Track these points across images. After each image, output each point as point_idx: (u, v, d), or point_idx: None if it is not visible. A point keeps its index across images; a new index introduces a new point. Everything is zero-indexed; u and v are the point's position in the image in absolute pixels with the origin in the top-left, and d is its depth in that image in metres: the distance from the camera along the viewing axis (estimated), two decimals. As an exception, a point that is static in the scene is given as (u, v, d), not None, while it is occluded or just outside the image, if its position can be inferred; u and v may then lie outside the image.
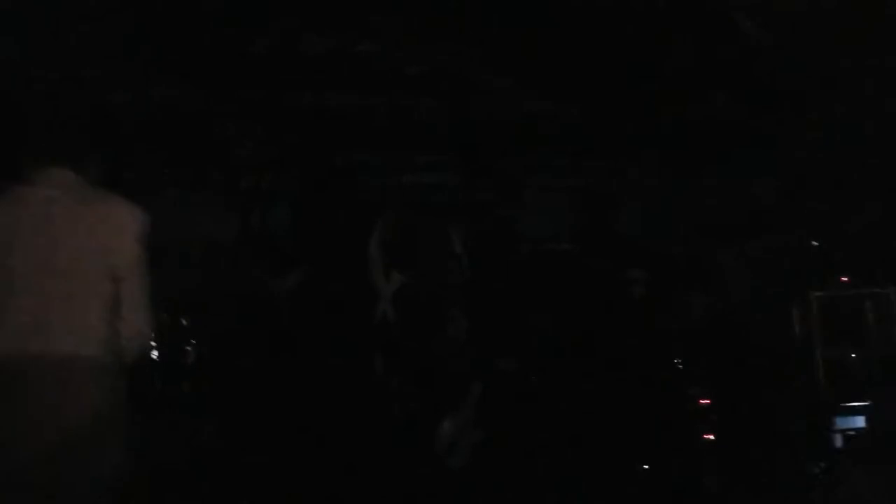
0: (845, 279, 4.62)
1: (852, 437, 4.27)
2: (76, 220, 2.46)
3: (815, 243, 4.70)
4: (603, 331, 5.32)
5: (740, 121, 5.00)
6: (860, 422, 4.37)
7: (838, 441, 4.34)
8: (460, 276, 5.45)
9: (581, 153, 5.87)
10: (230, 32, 4.59)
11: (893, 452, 2.89)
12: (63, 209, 2.47)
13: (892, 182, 4.51)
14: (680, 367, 4.74)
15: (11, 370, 2.36)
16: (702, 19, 4.58)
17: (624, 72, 5.04)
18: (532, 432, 4.75)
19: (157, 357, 4.88)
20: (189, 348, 5.04)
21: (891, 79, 4.19)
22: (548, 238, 6.22)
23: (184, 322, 5.03)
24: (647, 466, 4.53)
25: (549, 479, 4.54)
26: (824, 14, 4.22)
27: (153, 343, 4.61)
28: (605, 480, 4.55)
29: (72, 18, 4.20)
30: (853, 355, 4.55)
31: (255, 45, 4.70)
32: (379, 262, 5.39)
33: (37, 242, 2.43)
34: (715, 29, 4.56)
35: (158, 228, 2.67)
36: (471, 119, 5.57)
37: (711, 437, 4.51)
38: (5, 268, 2.40)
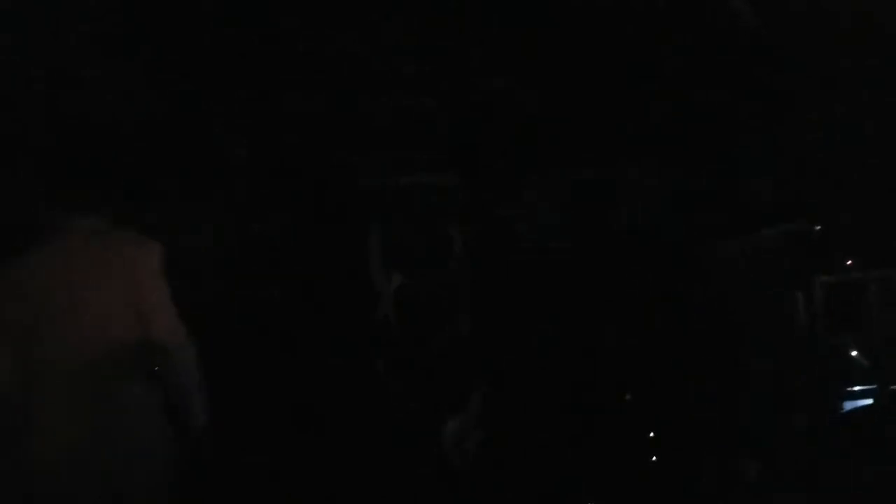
0: (849, 262, 4.58)
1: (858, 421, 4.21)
2: (101, 264, 2.61)
3: (818, 228, 4.66)
4: (605, 328, 5.28)
5: (738, 107, 4.99)
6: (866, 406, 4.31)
7: (844, 425, 4.27)
8: (461, 276, 5.42)
9: (579, 150, 5.85)
10: (224, 32, 4.60)
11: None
12: (88, 252, 2.62)
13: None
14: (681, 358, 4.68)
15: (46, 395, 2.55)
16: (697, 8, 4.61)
17: (621, 66, 5.04)
18: (533, 432, 4.69)
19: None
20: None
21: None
22: (548, 236, 6.18)
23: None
24: (651, 460, 4.46)
25: (551, 479, 4.48)
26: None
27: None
28: (611, 477, 4.49)
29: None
30: (859, 339, 4.50)
31: (249, 44, 4.70)
32: (378, 263, 5.37)
33: (65, 283, 2.57)
34: (710, 17, 4.58)
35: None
36: (469, 118, 5.57)
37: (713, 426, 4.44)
38: (36, 309, 2.55)
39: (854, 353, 4.46)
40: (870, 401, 4.20)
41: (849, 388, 4.37)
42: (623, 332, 5.21)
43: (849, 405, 4.28)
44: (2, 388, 2.54)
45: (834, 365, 4.42)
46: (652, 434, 4.63)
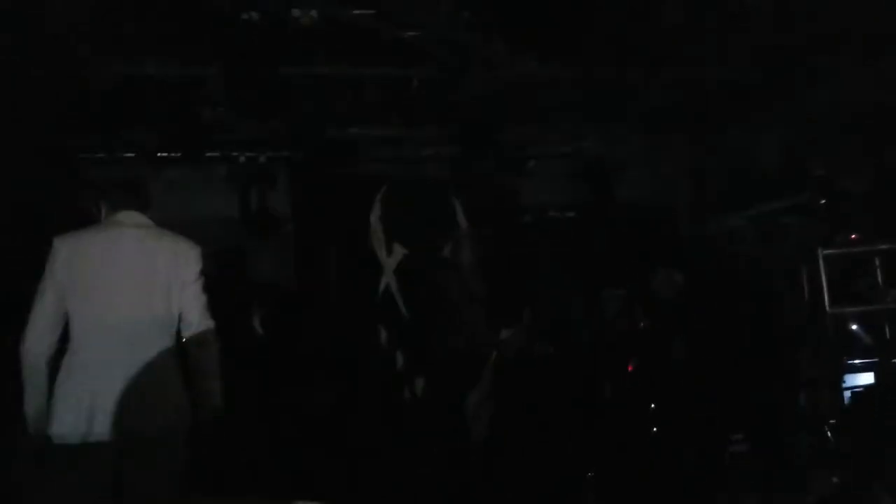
0: (854, 237, 4.56)
1: (861, 393, 4.24)
2: (145, 252, 3.15)
3: (822, 202, 4.65)
4: (608, 301, 5.29)
5: (740, 81, 4.94)
6: (869, 378, 4.34)
7: (848, 398, 4.31)
8: (464, 247, 5.41)
9: (581, 120, 5.80)
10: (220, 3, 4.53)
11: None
12: (135, 242, 3.16)
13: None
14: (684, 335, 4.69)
15: (98, 353, 3.04)
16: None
17: (622, 36, 4.98)
18: (541, 403, 4.72)
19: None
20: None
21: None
22: (550, 207, 6.17)
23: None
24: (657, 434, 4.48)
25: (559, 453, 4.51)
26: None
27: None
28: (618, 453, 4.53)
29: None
30: (863, 311, 4.51)
31: (246, 14, 4.63)
32: (381, 235, 5.36)
33: (117, 265, 3.11)
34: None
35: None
36: (469, 88, 5.50)
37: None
38: (92, 285, 3.07)
39: (855, 327, 4.49)
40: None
41: (850, 362, 4.40)
42: (627, 303, 5.23)
43: (851, 378, 4.31)
44: (57, 328, 3.05)
45: (836, 338, 4.44)
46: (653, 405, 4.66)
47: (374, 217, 5.33)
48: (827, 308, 4.40)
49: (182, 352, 3.18)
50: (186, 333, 3.20)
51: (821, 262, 4.44)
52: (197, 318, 3.19)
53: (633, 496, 4.17)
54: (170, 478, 3.03)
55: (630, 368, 4.73)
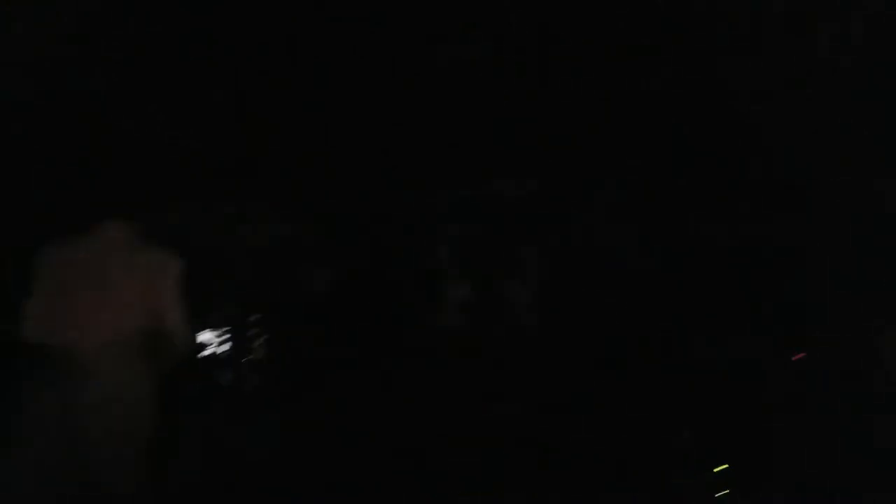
0: None
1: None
2: (123, 268, 3.18)
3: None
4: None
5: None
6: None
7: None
8: (529, 291, 5.41)
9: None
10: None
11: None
12: (113, 259, 3.18)
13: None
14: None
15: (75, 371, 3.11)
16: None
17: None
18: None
19: (228, 351, 5.02)
20: (258, 343, 5.14)
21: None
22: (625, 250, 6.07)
23: (252, 318, 5.14)
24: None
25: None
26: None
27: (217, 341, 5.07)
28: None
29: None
30: None
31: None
32: (447, 272, 5.42)
33: (94, 284, 3.15)
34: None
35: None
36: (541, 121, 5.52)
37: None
38: (74, 300, 3.13)
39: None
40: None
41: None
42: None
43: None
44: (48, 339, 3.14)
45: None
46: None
47: (443, 253, 5.41)
48: None
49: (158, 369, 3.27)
50: (162, 345, 3.23)
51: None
52: (176, 339, 3.24)
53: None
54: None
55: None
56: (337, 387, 4.90)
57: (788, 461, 4.01)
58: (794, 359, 4.45)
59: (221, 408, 4.84)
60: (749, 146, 4.97)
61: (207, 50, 4.78)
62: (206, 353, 4.96)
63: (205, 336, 4.99)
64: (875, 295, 4.24)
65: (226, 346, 5.05)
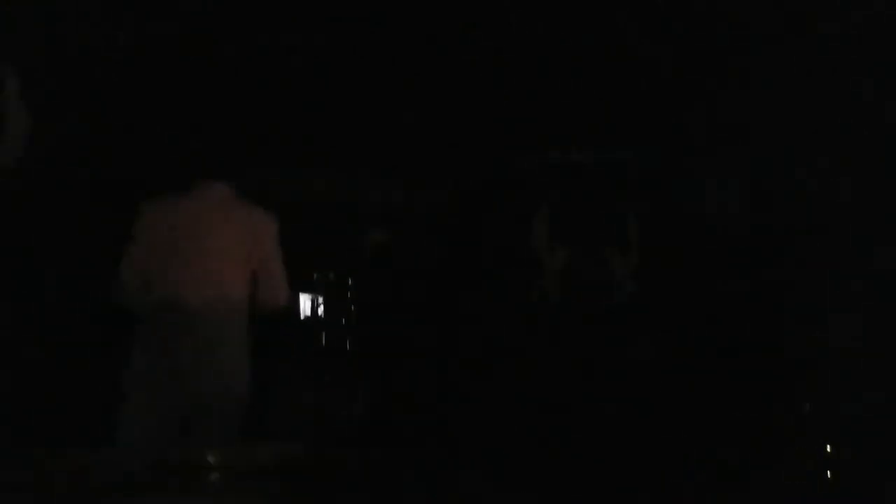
0: None
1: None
2: (227, 223, 3.26)
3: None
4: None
5: None
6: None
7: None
8: (630, 261, 5.26)
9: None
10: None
11: None
12: (217, 215, 3.26)
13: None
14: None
15: (178, 323, 3.18)
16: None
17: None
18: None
19: (324, 314, 5.03)
20: (353, 307, 5.14)
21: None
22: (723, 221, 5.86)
23: (349, 281, 5.14)
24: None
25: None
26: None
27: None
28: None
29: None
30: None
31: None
32: (545, 239, 5.29)
33: (198, 238, 3.23)
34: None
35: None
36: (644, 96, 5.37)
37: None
38: (176, 254, 3.20)
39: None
40: None
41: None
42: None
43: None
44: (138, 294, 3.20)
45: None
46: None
47: (540, 220, 5.28)
48: None
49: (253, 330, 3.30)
50: (262, 308, 3.30)
51: None
52: (276, 294, 3.30)
53: None
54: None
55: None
56: (430, 354, 4.88)
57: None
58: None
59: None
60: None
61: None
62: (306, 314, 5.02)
63: (305, 298, 5.03)
64: None
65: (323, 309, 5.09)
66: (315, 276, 5.08)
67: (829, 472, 3.55)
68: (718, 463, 3.30)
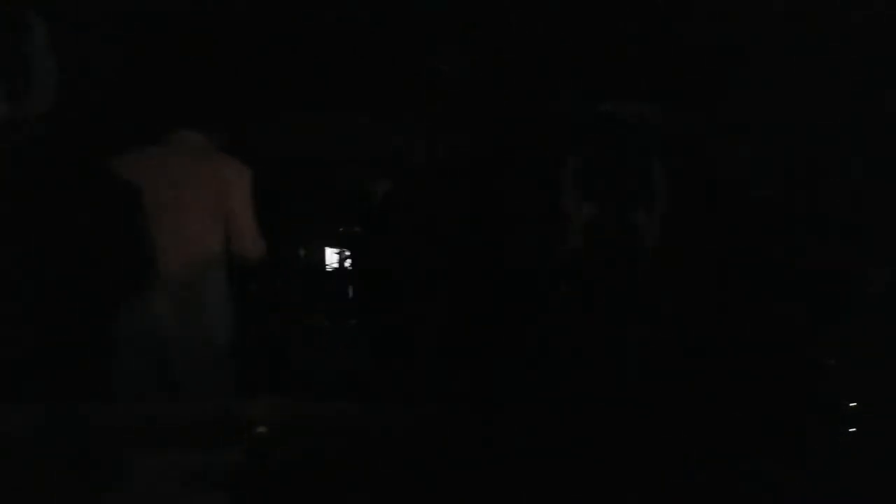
0: None
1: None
2: (196, 174, 3.26)
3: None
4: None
5: None
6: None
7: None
8: (657, 216, 5.17)
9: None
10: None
11: None
12: (188, 166, 3.26)
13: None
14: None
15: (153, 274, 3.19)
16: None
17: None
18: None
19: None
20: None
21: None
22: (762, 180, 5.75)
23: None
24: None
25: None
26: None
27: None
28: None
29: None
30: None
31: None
32: (571, 192, 5.20)
33: (171, 188, 3.22)
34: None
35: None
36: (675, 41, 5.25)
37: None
38: (148, 205, 3.18)
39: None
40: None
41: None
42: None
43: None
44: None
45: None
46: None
47: (568, 172, 5.18)
48: None
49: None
50: (240, 259, 3.32)
51: None
52: (248, 246, 3.31)
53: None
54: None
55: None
56: (456, 308, 4.84)
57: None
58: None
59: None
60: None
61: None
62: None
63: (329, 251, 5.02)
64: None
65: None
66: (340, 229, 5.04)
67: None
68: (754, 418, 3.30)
